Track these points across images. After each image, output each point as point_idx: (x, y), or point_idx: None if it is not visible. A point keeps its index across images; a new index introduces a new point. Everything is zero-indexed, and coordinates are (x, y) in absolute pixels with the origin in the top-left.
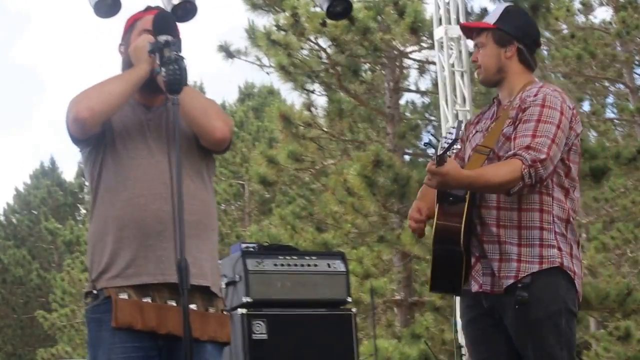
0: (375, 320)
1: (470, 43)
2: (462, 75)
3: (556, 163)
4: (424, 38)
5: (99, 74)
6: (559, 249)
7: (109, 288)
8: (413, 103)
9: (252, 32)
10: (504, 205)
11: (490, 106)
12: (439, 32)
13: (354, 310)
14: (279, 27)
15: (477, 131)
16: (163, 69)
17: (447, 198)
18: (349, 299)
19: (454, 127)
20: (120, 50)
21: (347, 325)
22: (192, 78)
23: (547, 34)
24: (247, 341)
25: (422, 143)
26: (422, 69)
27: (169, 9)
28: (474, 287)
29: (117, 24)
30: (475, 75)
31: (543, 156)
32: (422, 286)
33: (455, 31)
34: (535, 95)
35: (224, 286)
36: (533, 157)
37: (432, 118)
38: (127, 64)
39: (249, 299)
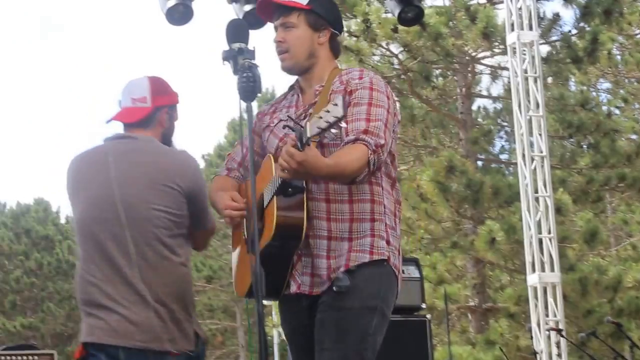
0: (449, 327)
1: (544, 48)
2: (535, 81)
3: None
4: (496, 43)
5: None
6: (388, 242)
7: None
8: (485, 108)
9: None
10: (334, 197)
11: (287, 94)
12: (511, 38)
13: (428, 316)
14: (350, 34)
15: (281, 120)
16: (237, 77)
17: (287, 189)
18: (424, 305)
19: (335, 104)
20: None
21: (421, 331)
22: (264, 85)
23: (620, 38)
24: None
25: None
26: (494, 74)
27: (240, 15)
28: (293, 288)
29: (188, 31)
30: (281, 60)
31: (382, 141)
32: (496, 292)
33: (528, 36)
34: (361, 78)
35: None
36: (376, 142)
37: (505, 123)
38: None
39: None
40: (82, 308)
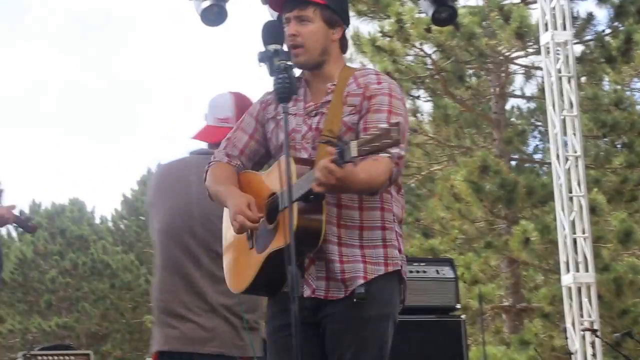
0: (483, 327)
1: (578, 48)
2: (569, 80)
3: None
4: (530, 43)
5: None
6: (400, 250)
7: None
8: (519, 108)
9: (357, 39)
10: (346, 203)
11: None
12: (545, 38)
13: (463, 316)
14: (384, 34)
15: (289, 113)
16: (272, 78)
17: (309, 195)
18: (458, 306)
19: (388, 128)
20: None
21: (456, 331)
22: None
23: None
24: None
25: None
26: (527, 74)
27: (274, 17)
28: (306, 292)
29: (223, 32)
30: (294, 54)
31: (403, 152)
32: (531, 292)
33: (562, 36)
34: (379, 83)
35: None
36: (398, 154)
37: (538, 123)
38: None
39: None
40: (158, 316)
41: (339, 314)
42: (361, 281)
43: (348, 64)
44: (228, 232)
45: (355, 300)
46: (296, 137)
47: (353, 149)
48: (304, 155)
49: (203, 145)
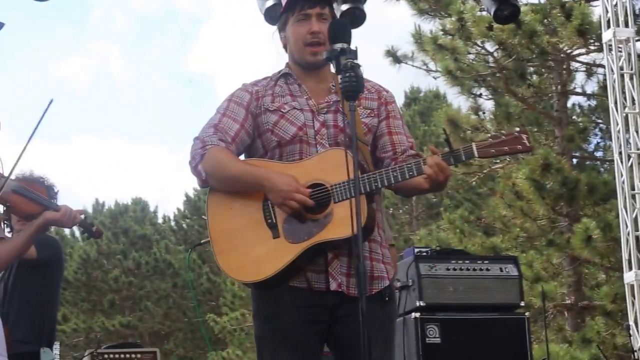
0: (546, 325)
1: None
2: (631, 78)
3: None
4: (591, 40)
5: None
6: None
7: None
8: (580, 106)
9: (418, 37)
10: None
11: (278, 80)
12: (607, 35)
13: (527, 314)
14: (445, 32)
15: (294, 108)
16: (339, 77)
17: (373, 188)
18: (522, 303)
19: (502, 138)
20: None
21: (520, 329)
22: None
23: None
24: (420, 345)
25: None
26: (589, 71)
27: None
28: (333, 286)
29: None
30: (314, 52)
31: None
32: (592, 290)
33: (624, 33)
34: (387, 92)
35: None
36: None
37: (599, 121)
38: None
39: (422, 303)
40: None
41: (367, 312)
42: (387, 282)
43: None
44: (226, 219)
45: (386, 298)
46: (308, 132)
47: (475, 150)
48: (321, 150)
49: None
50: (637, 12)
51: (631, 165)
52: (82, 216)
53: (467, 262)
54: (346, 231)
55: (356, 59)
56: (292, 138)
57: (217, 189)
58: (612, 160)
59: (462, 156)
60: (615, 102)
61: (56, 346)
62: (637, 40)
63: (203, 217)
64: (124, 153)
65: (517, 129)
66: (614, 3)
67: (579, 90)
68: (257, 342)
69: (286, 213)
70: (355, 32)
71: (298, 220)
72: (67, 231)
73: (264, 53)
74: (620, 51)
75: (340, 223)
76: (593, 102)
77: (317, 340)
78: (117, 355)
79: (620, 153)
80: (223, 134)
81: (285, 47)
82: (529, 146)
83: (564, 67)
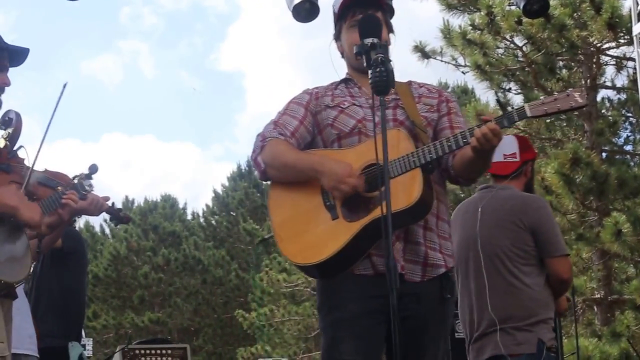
0: (576, 319)
1: None
2: None
3: None
4: (621, 34)
5: (298, 79)
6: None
7: None
8: (610, 100)
9: (447, 32)
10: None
11: (338, 85)
12: (637, 28)
13: None
14: (474, 27)
15: (354, 104)
16: (370, 71)
17: (428, 165)
18: None
19: (555, 98)
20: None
21: None
22: None
23: None
24: (449, 339)
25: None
26: (619, 65)
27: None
28: (397, 267)
29: (315, 28)
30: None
31: None
32: (622, 284)
33: None
34: (448, 93)
35: None
36: None
37: (629, 114)
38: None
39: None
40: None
41: (428, 298)
42: (443, 269)
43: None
44: (287, 209)
45: (448, 296)
46: (367, 125)
47: (528, 110)
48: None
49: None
50: None
51: None
52: (109, 202)
53: None
54: (401, 203)
55: (387, 53)
56: (351, 130)
57: (275, 179)
58: None
59: (515, 117)
60: None
61: (89, 343)
62: None
63: (231, 213)
64: (153, 150)
65: (570, 89)
66: None
67: (608, 84)
68: (323, 332)
69: (339, 197)
70: None
71: (355, 200)
72: (97, 228)
73: (292, 51)
74: None
75: (395, 197)
76: (623, 96)
77: (381, 330)
78: (148, 351)
79: None
80: (282, 128)
81: (342, 54)
82: (582, 102)
83: (594, 60)
